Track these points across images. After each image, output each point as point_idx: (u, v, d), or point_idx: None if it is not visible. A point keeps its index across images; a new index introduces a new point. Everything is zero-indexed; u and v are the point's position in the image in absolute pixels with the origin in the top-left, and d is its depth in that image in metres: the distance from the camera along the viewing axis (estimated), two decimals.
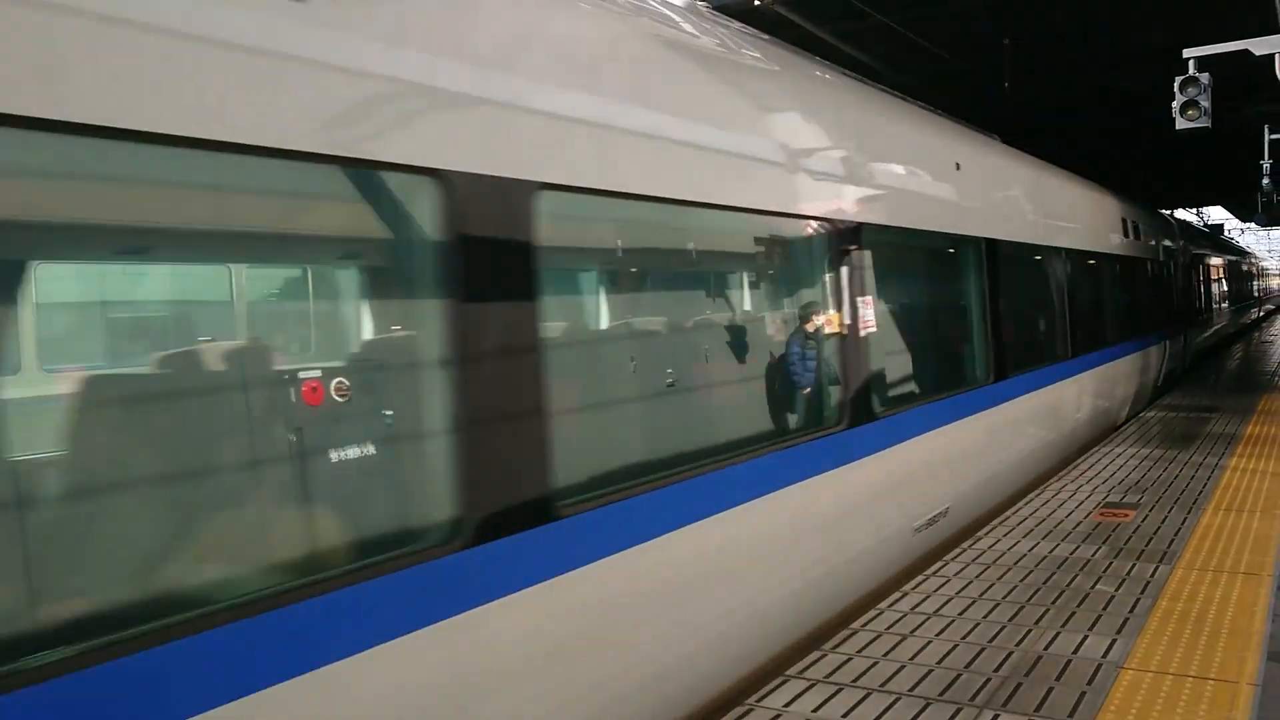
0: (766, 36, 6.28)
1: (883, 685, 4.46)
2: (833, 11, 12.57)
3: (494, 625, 3.34)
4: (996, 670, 4.59)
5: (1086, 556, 6.37)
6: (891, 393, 6.89)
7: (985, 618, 5.30)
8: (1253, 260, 39.99)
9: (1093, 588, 5.73)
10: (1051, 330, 10.73)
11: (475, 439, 3.27)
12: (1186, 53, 11.33)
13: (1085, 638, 4.94)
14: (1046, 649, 4.82)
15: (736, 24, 6.01)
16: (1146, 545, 6.58)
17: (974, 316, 8.52)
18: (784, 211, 5.52)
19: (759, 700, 4.35)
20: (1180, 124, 11.45)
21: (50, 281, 4.00)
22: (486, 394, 3.33)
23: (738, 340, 5.64)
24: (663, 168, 4.42)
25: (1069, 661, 4.65)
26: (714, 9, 6.37)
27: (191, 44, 2.55)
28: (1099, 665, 4.59)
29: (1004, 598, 5.61)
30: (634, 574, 4.01)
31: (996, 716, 4.11)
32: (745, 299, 6.29)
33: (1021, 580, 5.93)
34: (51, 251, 3.50)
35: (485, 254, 3.33)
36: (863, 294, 5.98)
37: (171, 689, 2.41)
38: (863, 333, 5.99)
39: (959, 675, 4.55)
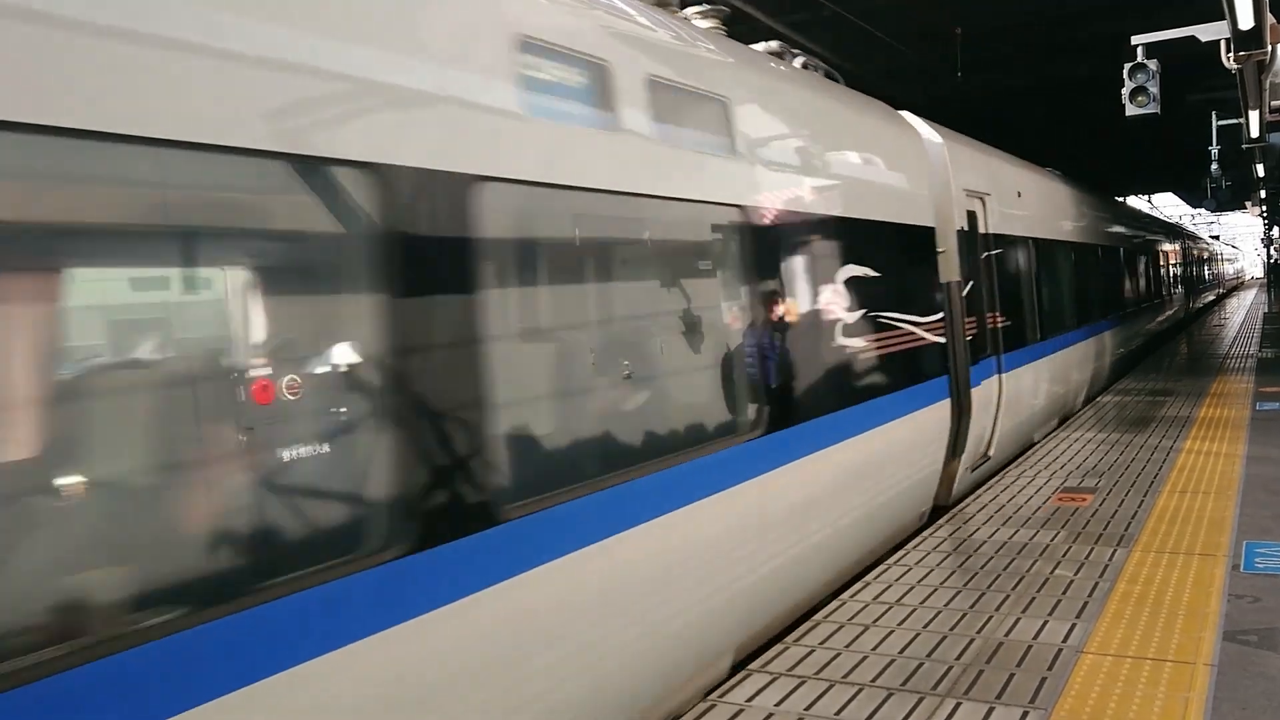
0: None
1: (845, 677, 4.45)
2: (786, 2, 12.58)
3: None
4: (958, 658, 4.59)
5: (1046, 541, 6.41)
6: None
7: (947, 605, 5.30)
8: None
9: (1052, 572, 5.76)
10: None
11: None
12: (1135, 39, 11.46)
13: (1045, 623, 4.96)
14: (1007, 635, 4.83)
15: None
16: (1105, 529, 6.63)
17: None
18: None
19: (721, 696, 4.31)
20: (1130, 110, 11.57)
21: None
22: None
23: None
24: None
25: (1030, 647, 4.66)
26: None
27: None
28: (1059, 650, 4.60)
29: (965, 585, 5.63)
30: None
31: (959, 705, 4.10)
32: None
33: (982, 567, 5.95)
34: None
35: None
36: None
37: None
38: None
39: (921, 664, 4.54)
